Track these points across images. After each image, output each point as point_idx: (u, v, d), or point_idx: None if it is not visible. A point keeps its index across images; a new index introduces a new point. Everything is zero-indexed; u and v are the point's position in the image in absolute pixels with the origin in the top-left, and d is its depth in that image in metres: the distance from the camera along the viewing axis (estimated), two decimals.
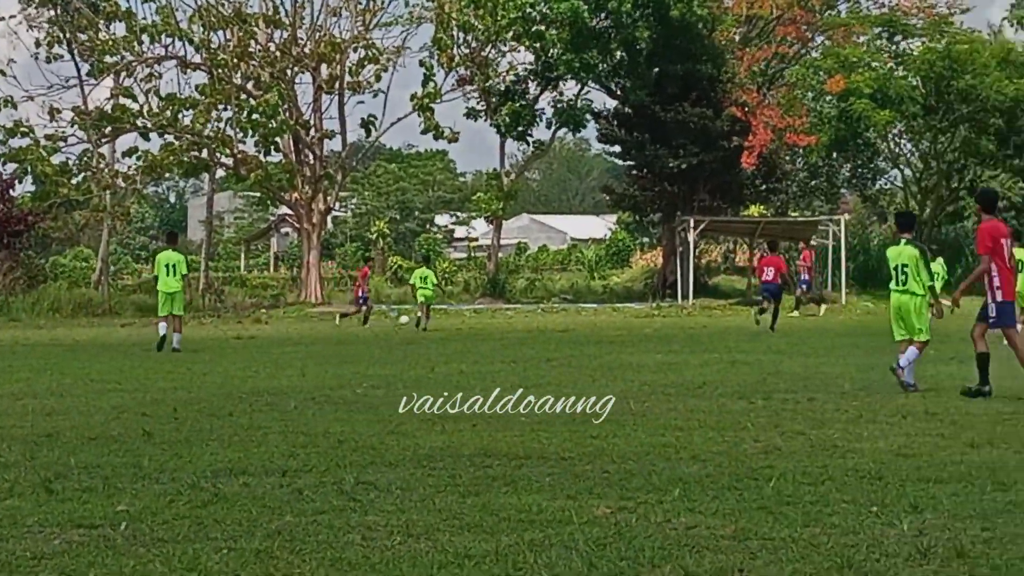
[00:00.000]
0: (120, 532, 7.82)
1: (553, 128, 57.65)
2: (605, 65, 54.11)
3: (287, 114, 53.05)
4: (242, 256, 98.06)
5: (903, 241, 16.73)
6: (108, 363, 23.49)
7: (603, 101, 67.59)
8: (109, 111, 51.88)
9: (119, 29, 52.86)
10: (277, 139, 53.45)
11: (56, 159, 51.63)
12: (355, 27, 55.22)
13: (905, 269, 16.41)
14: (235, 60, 52.62)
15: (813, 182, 68.54)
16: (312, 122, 55.40)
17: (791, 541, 7.37)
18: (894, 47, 59.01)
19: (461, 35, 55.49)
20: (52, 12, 52.96)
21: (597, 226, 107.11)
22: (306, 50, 54.33)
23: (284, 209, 68.52)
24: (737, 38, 57.68)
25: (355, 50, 55.03)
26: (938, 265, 29.37)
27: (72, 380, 19.50)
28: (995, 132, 54.33)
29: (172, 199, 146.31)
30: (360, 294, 41.83)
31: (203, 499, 8.90)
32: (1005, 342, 16.01)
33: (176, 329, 26.92)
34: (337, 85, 55.16)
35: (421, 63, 55.50)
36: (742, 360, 22.27)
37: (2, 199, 51.39)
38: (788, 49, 58.76)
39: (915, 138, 59.45)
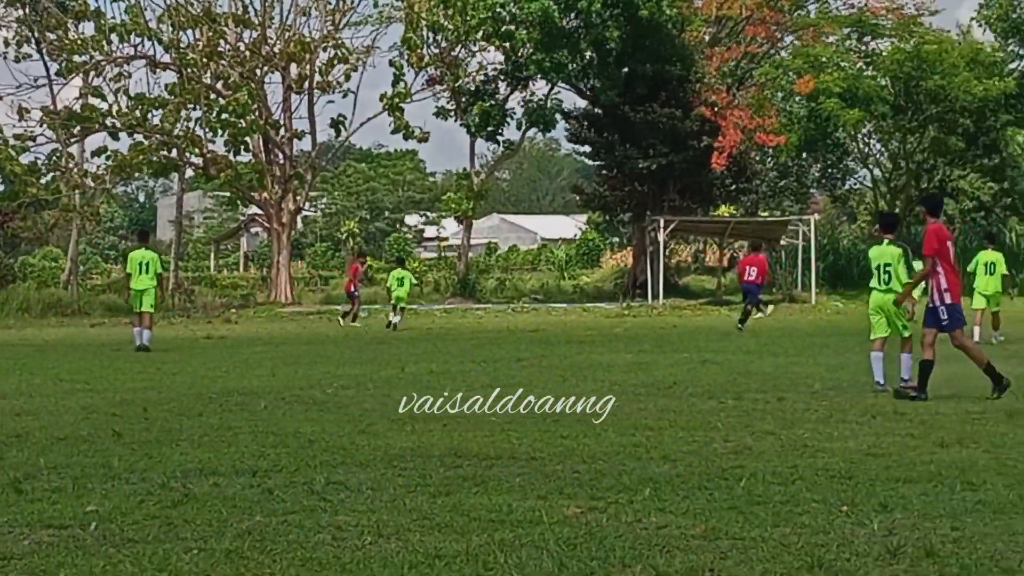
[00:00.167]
0: (90, 532, 7.80)
1: (523, 128, 57.53)
2: (575, 65, 54.09)
3: (257, 114, 52.95)
4: (212, 256, 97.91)
5: (886, 241, 16.80)
6: (77, 363, 23.37)
7: (573, 101, 67.85)
8: (78, 110, 51.73)
9: (88, 28, 52.71)
10: (247, 139, 53.35)
11: (25, 159, 51.42)
12: (325, 26, 55.20)
13: (888, 268, 16.48)
14: (204, 60, 52.48)
15: (783, 182, 68.89)
16: (282, 122, 55.34)
17: (761, 541, 7.39)
18: (863, 47, 59.15)
19: (431, 35, 55.45)
20: (20, 11, 52.68)
21: (567, 226, 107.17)
22: (276, 49, 54.20)
23: (254, 209, 68.38)
24: (706, 38, 57.72)
25: (325, 50, 55.02)
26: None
27: (41, 380, 19.39)
28: (964, 132, 54.53)
29: (141, 199, 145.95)
30: (352, 289, 41.14)
31: (173, 499, 8.88)
32: (994, 342, 16.05)
33: (146, 326, 26.86)
34: (307, 85, 55.18)
35: (391, 63, 55.47)
36: (712, 360, 22.30)
37: None
38: (758, 49, 58.83)
39: (884, 138, 59.60)
